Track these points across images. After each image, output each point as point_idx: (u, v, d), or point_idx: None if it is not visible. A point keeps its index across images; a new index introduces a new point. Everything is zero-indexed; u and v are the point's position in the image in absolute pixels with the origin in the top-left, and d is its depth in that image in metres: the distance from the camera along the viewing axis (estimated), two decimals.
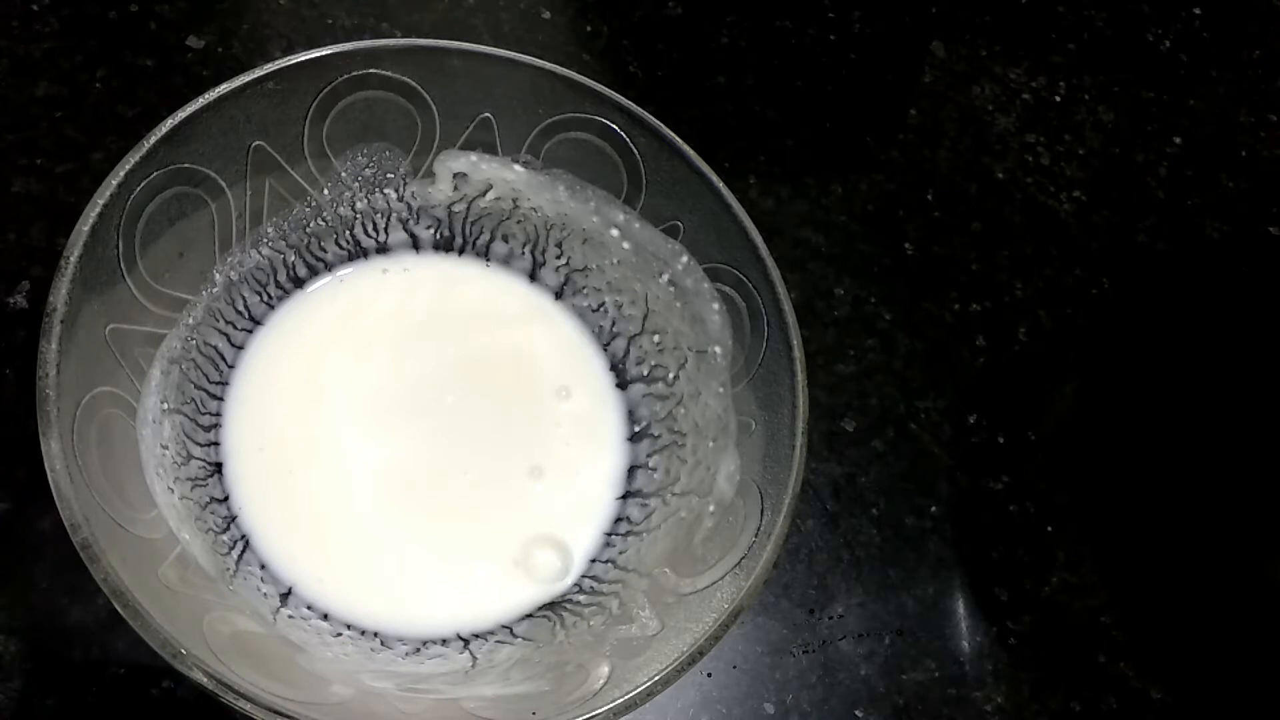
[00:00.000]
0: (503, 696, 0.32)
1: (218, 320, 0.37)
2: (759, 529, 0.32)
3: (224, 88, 0.33)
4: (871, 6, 0.59)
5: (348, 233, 0.40)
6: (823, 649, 0.41)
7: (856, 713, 0.40)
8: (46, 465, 0.27)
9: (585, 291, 0.42)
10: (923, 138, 0.56)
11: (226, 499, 0.36)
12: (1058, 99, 0.59)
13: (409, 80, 0.37)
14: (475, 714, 0.30)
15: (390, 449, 0.38)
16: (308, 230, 0.39)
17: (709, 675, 0.40)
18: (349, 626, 0.35)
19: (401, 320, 0.41)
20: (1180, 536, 0.47)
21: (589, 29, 0.55)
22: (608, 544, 0.38)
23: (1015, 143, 0.56)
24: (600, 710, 0.28)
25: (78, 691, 0.36)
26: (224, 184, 0.35)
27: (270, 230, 0.38)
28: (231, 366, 0.38)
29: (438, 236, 0.42)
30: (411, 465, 0.38)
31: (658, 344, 0.40)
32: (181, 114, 0.33)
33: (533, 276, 0.42)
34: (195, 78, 0.49)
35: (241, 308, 0.38)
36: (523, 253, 0.42)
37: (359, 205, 0.40)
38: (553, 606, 0.37)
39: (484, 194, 0.40)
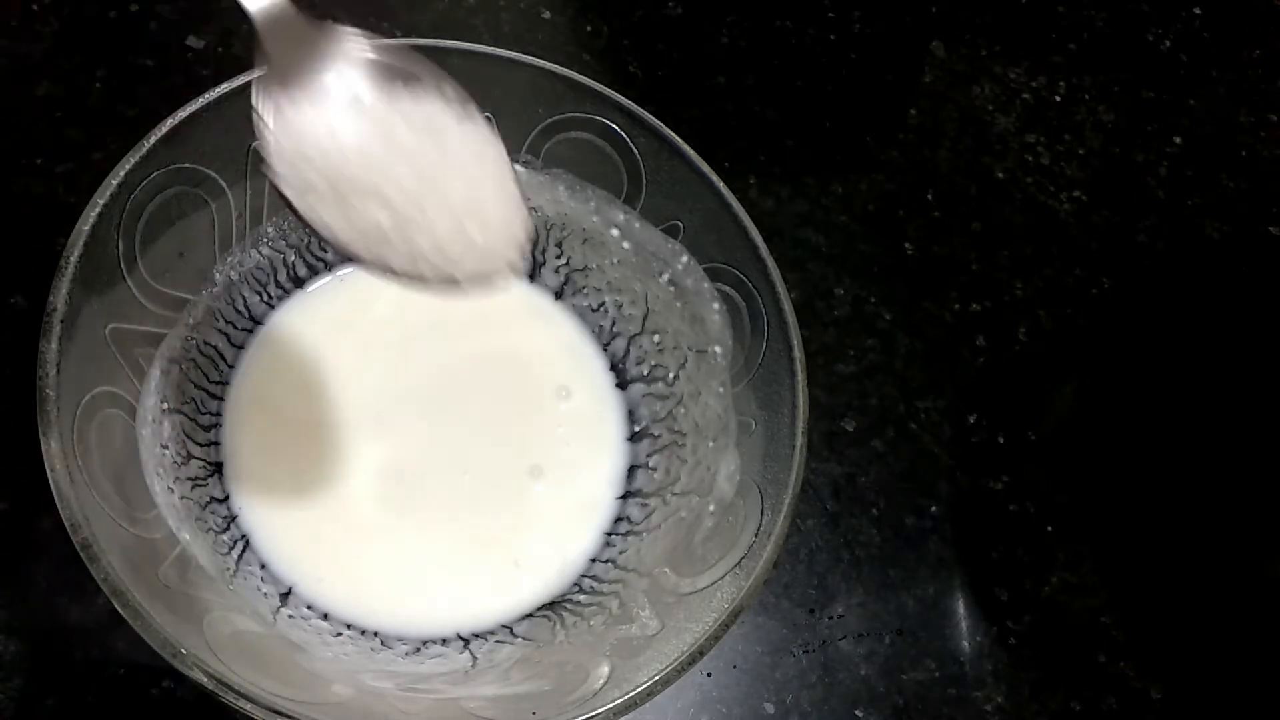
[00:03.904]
0: (503, 696, 0.32)
1: (218, 320, 0.37)
2: (759, 529, 0.32)
3: (224, 88, 0.33)
4: (871, 6, 0.59)
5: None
6: (823, 649, 0.41)
7: (856, 713, 0.40)
8: (46, 465, 0.27)
9: (585, 291, 0.42)
10: (923, 138, 0.56)
11: (226, 499, 0.36)
12: (1058, 99, 0.59)
13: None
14: (475, 714, 0.30)
15: (390, 449, 0.38)
16: (308, 230, 0.39)
17: (709, 675, 0.40)
18: (349, 626, 0.35)
19: (401, 320, 0.41)
20: (1180, 536, 0.47)
21: (589, 29, 0.55)
22: (608, 544, 0.38)
23: (1015, 143, 0.56)
24: (600, 710, 0.28)
25: (78, 691, 0.36)
26: (224, 184, 0.35)
27: (270, 230, 0.38)
28: (231, 366, 0.38)
29: None
30: (411, 465, 0.38)
31: (658, 344, 0.40)
32: (181, 114, 0.33)
33: (533, 276, 0.42)
34: (195, 78, 0.49)
35: (241, 308, 0.38)
36: None
37: None
38: (553, 606, 0.37)
39: None
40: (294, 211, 0.27)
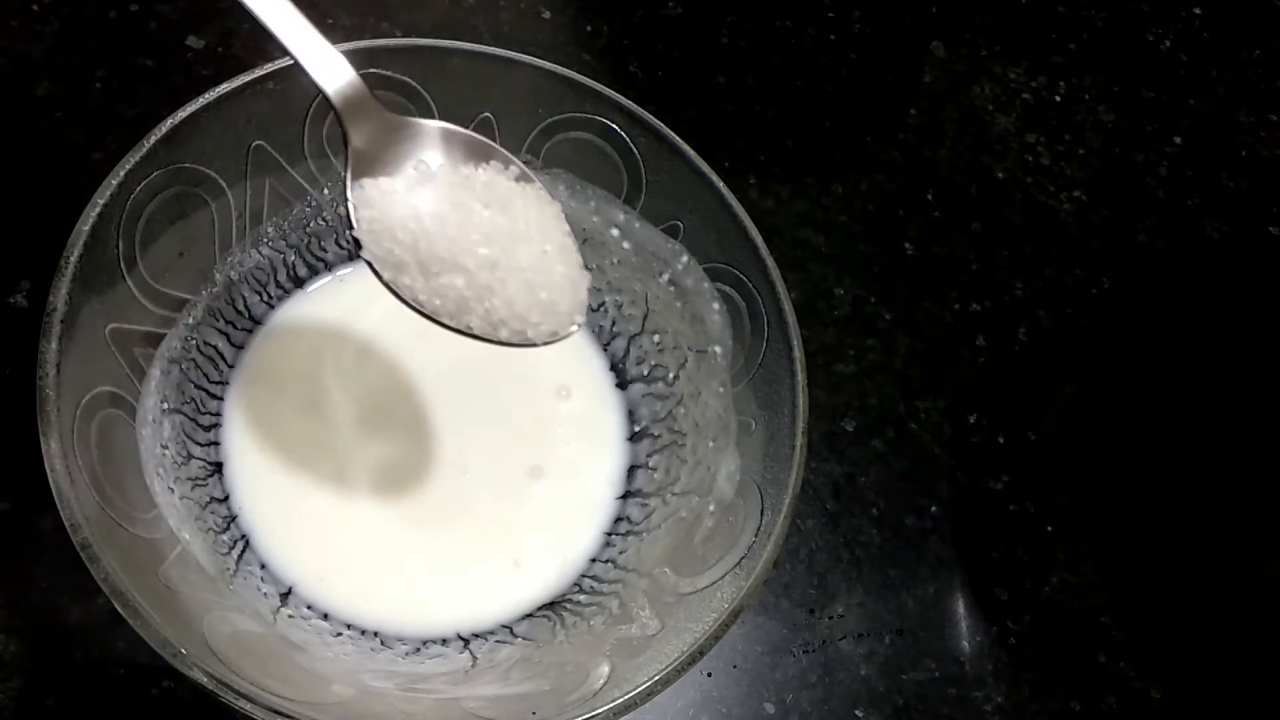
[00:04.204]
0: (503, 696, 0.32)
1: (218, 320, 0.37)
2: (759, 529, 0.32)
3: (224, 88, 0.33)
4: (871, 6, 0.59)
5: (348, 232, 0.40)
6: (823, 649, 0.41)
7: (856, 713, 0.40)
8: (46, 465, 0.27)
9: None
10: (923, 138, 0.56)
11: (226, 499, 0.36)
12: (1058, 99, 0.59)
13: (409, 80, 0.37)
14: (475, 714, 0.30)
15: (390, 449, 0.38)
16: (308, 230, 0.39)
17: (709, 675, 0.40)
18: (349, 626, 0.35)
19: (401, 320, 0.41)
20: (1180, 536, 0.47)
21: (589, 29, 0.55)
22: (608, 544, 0.38)
23: (1015, 143, 0.56)
24: (600, 710, 0.28)
25: (78, 691, 0.36)
26: (224, 184, 0.35)
27: (270, 230, 0.38)
28: (231, 366, 0.38)
29: None
30: (411, 465, 0.38)
31: (658, 344, 0.40)
32: (181, 114, 0.33)
33: None
34: (195, 78, 0.49)
35: (241, 308, 0.38)
36: None
37: None
38: (553, 606, 0.37)
39: None
40: (387, 287, 0.31)
